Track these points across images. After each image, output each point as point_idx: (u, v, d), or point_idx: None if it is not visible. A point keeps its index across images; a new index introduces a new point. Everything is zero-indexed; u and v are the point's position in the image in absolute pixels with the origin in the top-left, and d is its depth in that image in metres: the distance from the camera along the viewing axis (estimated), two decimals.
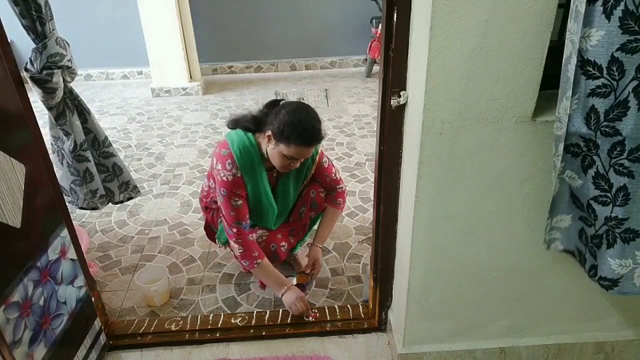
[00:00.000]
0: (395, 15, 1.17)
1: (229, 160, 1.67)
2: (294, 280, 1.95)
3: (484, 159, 1.20)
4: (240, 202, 1.71)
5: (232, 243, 1.74)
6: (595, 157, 1.02)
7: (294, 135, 1.57)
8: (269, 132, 1.62)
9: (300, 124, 1.57)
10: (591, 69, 0.93)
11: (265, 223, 1.86)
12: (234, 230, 1.71)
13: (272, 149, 1.63)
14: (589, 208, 1.08)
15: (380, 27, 2.90)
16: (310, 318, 1.78)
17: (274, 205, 1.81)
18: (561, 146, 1.05)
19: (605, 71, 0.92)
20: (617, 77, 0.91)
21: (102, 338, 1.66)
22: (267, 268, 1.76)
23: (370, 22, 4.52)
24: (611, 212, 1.05)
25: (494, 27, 1.03)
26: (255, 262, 1.72)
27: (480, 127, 1.16)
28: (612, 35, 0.88)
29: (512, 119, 1.15)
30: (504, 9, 1.01)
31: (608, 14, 0.87)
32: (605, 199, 1.05)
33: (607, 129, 0.97)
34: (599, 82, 0.93)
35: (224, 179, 1.67)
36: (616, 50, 0.89)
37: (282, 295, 1.77)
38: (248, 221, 1.74)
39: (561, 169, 1.09)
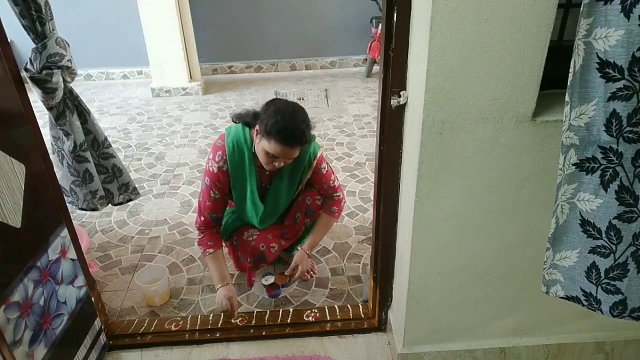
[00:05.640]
0: (395, 15, 1.17)
1: (220, 152, 1.73)
2: (272, 279, 1.95)
3: (484, 159, 1.20)
4: (219, 196, 1.78)
5: (196, 228, 1.86)
6: (618, 168, 0.92)
7: (274, 132, 1.58)
8: (257, 127, 1.65)
9: (282, 122, 1.58)
10: (611, 71, 0.85)
11: (250, 220, 1.88)
12: (202, 218, 1.82)
13: (257, 144, 1.67)
14: (611, 230, 0.96)
15: (380, 27, 2.90)
16: (238, 321, 1.77)
17: (258, 204, 1.82)
18: (574, 159, 0.95)
19: (626, 72, 0.84)
20: (639, 78, 0.84)
21: (102, 338, 1.66)
22: (216, 261, 1.82)
23: (370, 22, 4.52)
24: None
25: (494, 27, 1.03)
26: (207, 250, 1.81)
27: (480, 127, 1.16)
28: (632, 34, 0.81)
29: (512, 119, 1.15)
30: (504, 9, 1.01)
31: (627, 12, 0.80)
32: (631, 214, 0.94)
33: (630, 135, 0.88)
34: (620, 84, 0.85)
35: (210, 169, 1.75)
36: (637, 50, 0.82)
37: (217, 289, 1.79)
38: (220, 215, 1.83)
39: (572, 192, 0.97)
